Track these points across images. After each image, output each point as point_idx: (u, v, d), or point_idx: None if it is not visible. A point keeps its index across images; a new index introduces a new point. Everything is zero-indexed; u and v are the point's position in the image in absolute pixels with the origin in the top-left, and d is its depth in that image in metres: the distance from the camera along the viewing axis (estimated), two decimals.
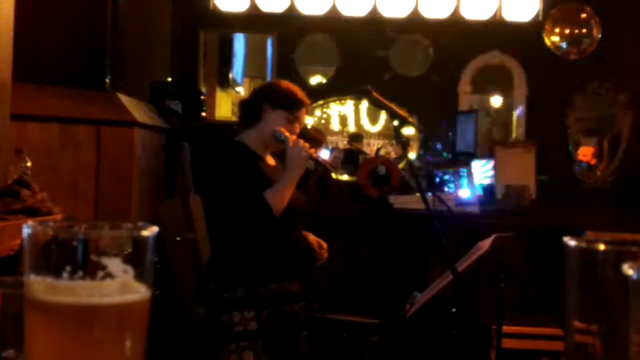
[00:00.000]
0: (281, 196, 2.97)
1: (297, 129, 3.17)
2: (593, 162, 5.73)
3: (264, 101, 3.14)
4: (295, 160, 3.00)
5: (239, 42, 6.36)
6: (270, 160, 3.22)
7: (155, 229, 0.71)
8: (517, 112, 5.80)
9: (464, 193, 5.01)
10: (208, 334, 3.04)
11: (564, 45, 5.67)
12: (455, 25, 5.65)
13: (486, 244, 3.34)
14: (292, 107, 3.13)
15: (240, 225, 3.05)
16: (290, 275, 3.10)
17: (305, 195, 3.22)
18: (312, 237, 3.35)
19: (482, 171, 5.32)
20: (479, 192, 5.17)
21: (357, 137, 6.18)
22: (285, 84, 3.24)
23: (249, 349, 2.98)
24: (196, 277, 3.47)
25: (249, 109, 3.18)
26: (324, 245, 3.35)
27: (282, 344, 3.06)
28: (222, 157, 3.11)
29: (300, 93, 3.19)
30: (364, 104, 6.09)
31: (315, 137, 5.57)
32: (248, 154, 3.11)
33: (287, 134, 3.07)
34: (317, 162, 3.14)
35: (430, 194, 4.40)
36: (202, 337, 3.07)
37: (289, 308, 3.08)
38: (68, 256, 0.68)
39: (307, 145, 3.04)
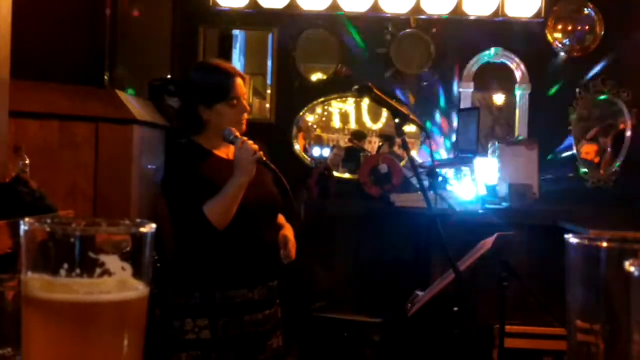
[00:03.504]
0: (224, 207, 2.69)
1: (244, 103, 2.88)
2: (596, 160, 5.72)
3: (197, 104, 2.85)
4: (242, 164, 2.71)
5: (239, 38, 6.35)
6: (232, 151, 2.86)
7: (153, 225, 0.71)
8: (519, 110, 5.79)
9: (466, 191, 5.01)
10: (160, 339, 2.81)
11: (566, 42, 5.66)
12: (457, 21, 5.65)
13: (488, 242, 3.34)
14: (226, 92, 2.83)
15: (186, 236, 2.83)
16: (252, 282, 2.84)
17: (273, 186, 2.94)
18: (282, 233, 3.00)
19: (484, 169, 5.31)
20: (482, 190, 5.16)
21: (359, 135, 6.18)
22: (203, 71, 2.94)
23: (201, 358, 2.75)
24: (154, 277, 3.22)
25: (188, 118, 2.89)
26: (291, 245, 2.97)
27: (244, 356, 2.82)
28: (171, 160, 2.88)
29: (222, 69, 2.88)
30: (365, 102, 6.08)
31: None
32: (198, 155, 2.85)
33: (236, 133, 2.79)
34: (267, 165, 2.80)
35: (431, 192, 4.40)
36: (154, 342, 2.80)
37: (252, 317, 2.83)
38: (65, 253, 0.68)
39: (255, 147, 2.74)
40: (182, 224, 2.80)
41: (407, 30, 5.68)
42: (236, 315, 2.80)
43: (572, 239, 0.72)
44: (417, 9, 5.62)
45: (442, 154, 5.75)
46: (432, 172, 4.82)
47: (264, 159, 2.77)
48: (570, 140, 5.65)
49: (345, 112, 6.21)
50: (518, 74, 5.72)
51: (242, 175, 2.71)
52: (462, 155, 5.37)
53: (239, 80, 2.87)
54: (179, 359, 2.76)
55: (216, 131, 2.85)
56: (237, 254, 2.81)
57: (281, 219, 3.07)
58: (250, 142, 2.76)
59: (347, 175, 5.75)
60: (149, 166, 4.29)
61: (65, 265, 0.67)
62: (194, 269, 2.82)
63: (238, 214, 2.73)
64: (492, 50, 5.66)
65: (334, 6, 5.62)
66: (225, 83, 2.84)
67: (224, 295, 2.78)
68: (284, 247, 2.94)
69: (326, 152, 6.07)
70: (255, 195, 2.80)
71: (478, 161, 5.23)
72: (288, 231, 3.02)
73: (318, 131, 6.21)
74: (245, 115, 2.90)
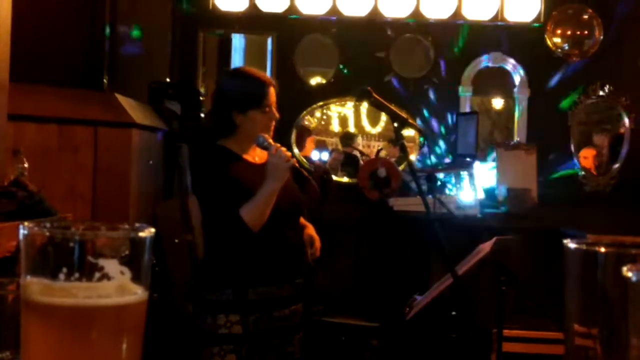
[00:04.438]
0: (259, 211, 2.83)
1: (274, 110, 3.00)
2: (594, 164, 5.72)
3: (231, 110, 2.96)
4: (276, 170, 2.83)
5: (239, 42, 6.36)
6: (260, 155, 3.04)
7: (152, 230, 0.71)
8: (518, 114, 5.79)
9: (465, 195, 5.01)
10: (193, 334, 2.98)
11: (565, 46, 5.66)
12: (456, 26, 5.65)
13: (487, 246, 3.34)
14: (260, 100, 2.95)
15: (220, 239, 2.97)
16: (281, 280, 2.98)
17: (298, 190, 3.08)
18: (307, 232, 3.17)
19: (483, 173, 5.31)
20: (480, 194, 5.16)
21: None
22: (239, 78, 3.05)
23: (233, 352, 2.89)
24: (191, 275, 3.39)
25: (221, 121, 3.00)
26: (317, 243, 3.17)
27: (273, 350, 2.97)
28: (201, 163, 3.01)
29: (258, 79, 3.01)
30: (364, 106, 6.08)
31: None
32: (227, 159, 2.96)
33: (270, 140, 2.91)
34: (300, 172, 2.97)
35: (430, 196, 4.40)
36: (188, 336, 3.02)
37: (280, 313, 2.98)
38: (65, 257, 0.67)
39: (289, 154, 2.87)
40: (218, 227, 2.92)
41: (407, 34, 5.68)
42: (266, 311, 2.93)
43: (570, 243, 0.73)
44: (416, 13, 5.62)
45: (441, 158, 5.75)
46: (431, 177, 4.82)
47: (297, 165, 2.91)
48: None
49: (344, 116, 6.22)
50: (517, 79, 5.72)
51: (276, 181, 2.84)
52: (461, 160, 5.37)
53: (272, 89, 3.00)
54: (211, 353, 2.89)
55: (246, 136, 2.98)
56: (268, 253, 2.94)
57: (302, 219, 3.19)
58: (284, 149, 2.88)
59: (346, 179, 5.75)
60: (150, 162, 4.30)
61: (65, 270, 0.67)
62: (227, 267, 2.95)
63: (269, 215, 2.88)
64: (492, 54, 5.66)
65: (334, 10, 5.63)
66: (259, 91, 2.96)
67: (255, 292, 2.92)
68: (310, 245, 3.12)
69: (325, 155, 6.08)
70: (283, 196, 2.92)
71: (477, 165, 5.23)
72: (312, 230, 3.18)
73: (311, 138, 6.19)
74: (274, 122, 3.02)
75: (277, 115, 3.01)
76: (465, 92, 5.70)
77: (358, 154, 5.88)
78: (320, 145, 6.29)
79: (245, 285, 2.92)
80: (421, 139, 5.76)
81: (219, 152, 2.97)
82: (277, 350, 2.99)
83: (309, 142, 5.88)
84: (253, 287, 2.93)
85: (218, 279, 2.95)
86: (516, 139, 5.69)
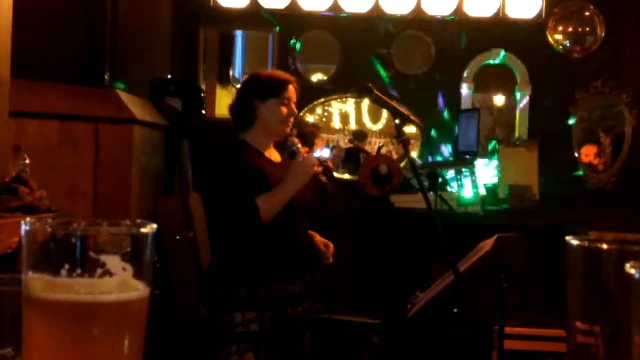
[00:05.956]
0: (274, 204, 2.93)
1: (294, 107, 3.15)
2: (596, 162, 5.72)
3: (253, 98, 3.12)
4: (301, 174, 2.96)
5: (240, 39, 6.35)
6: (275, 156, 3.17)
7: (154, 226, 0.71)
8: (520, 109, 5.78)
9: (467, 193, 5.00)
10: (209, 334, 3.02)
11: (567, 43, 5.66)
12: (458, 22, 5.64)
13: (488, 244, 3.34)
14: (279, 91, 3.10)
15: (229, 227, 3.02)
16: (292, 277, 3.05)
17: (313, 194, 3.16)
18: (318, 238, 3.29)
19: (484, 171, 5.31)
20: (482, 191, 5.16)
21: (360, 135, 6.16)
22: (263, 72, 3.27)
23: (251, 350, 2.94)
24: (198, 276, 3.45)
25: (242, 111, 3.15)
26: (331, 246, 3.28)
27: (287, 347, 3.02)
28: (220, 155, 3.09)
29: (280, 74, 3.20)
30: (366, 102, 6.07)
31: (310, 132, 5.57)
32: (248, 152, 3.07)
33: (299, 145, 3.07)
34: (320, 180, 3.10)
35: (432, 193, 4.40)
36: (202, 337, 3.06)
37: (293, 310, 3.04)
38: (67, 254, 0.67)
39: (316, 162, 3.03)
40: (230, 215, 2.97)
41: (408, 31, 5.68)
42: (280, 308, 3.00)
43: (572, 241, 0.72)
44: (418, 10, 5.61)
45: (443, 155, 5.75)
46: (432, 174, 4.82)
47: (320, 175, 3.05)
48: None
49: (346, 112, 6.20)
50: (519, 76, 5.72)
51: (297, 183, 2.95)
52: (463, 157, 5.37)
53: (291, 87, 3.14)
54: (229, 352, 2.95)
55: (264, 127, 3.11)
56: (279, 250, 3.02)
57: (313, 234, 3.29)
58: (312, 157, 3.04)
59: (347, 176, 5.74)
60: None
61: (67, 266, 0.67)
62: (238, 265, 3.01)
63: (281, 212, 2.96)
64: (501, 54, 5.66)
65: (335, 7, 5.62)
66: (281, 83, 3.13)
67: (268, 289, 2.98)
68: (326, 249, 3.22)
69: (326, 152, 6.07)
70: (303, 196, 3.03)
71: (478, 162, 5.23)
72: (322, 239, 3.28)
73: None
74: (292, 119, 3.17)
75: (295, 112, 3.15)
76: (466, 89, 5.70)
77: (364, 152, 5.86)
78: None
79: (258, 282, 2.98)
80: (422, 136, 5.76)
81: (239, 145, 3.09)
82: (292, 347, 3.04)
83: (319, 142, 5.87)
84: (266, 285, 2.98)
85: (231, 278, 3.00)
86: (518, 136, 5.68)
